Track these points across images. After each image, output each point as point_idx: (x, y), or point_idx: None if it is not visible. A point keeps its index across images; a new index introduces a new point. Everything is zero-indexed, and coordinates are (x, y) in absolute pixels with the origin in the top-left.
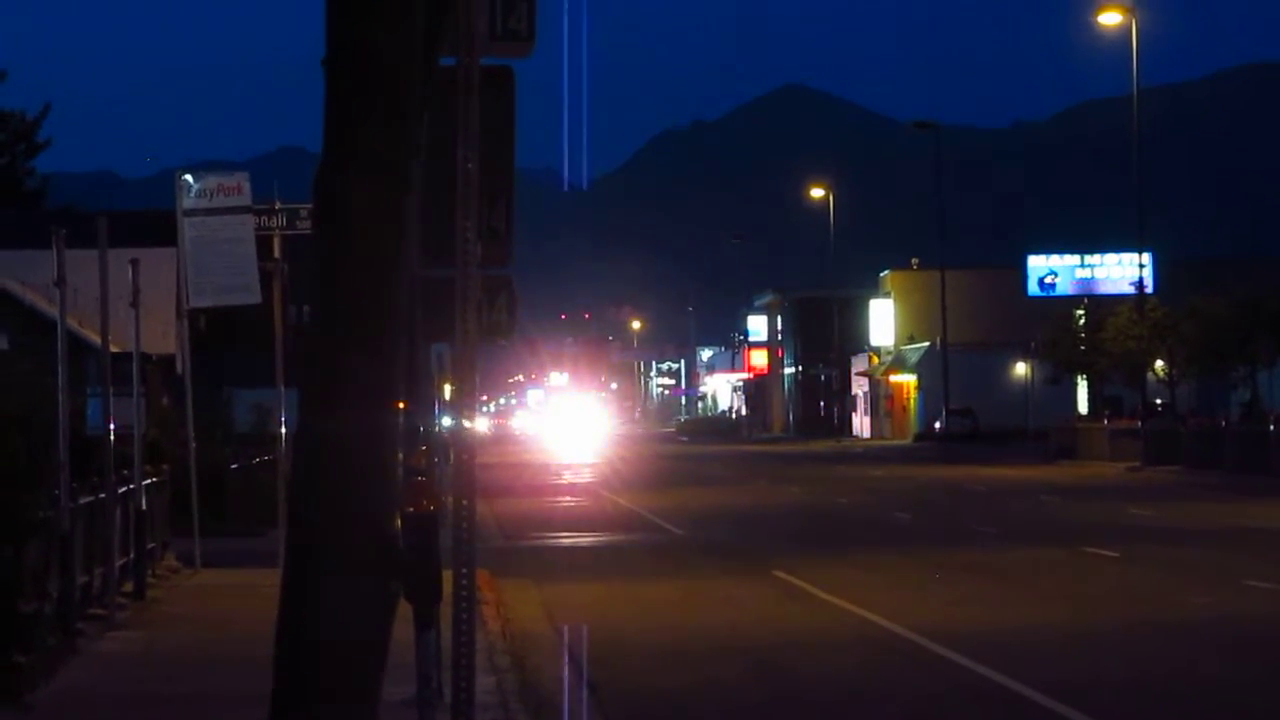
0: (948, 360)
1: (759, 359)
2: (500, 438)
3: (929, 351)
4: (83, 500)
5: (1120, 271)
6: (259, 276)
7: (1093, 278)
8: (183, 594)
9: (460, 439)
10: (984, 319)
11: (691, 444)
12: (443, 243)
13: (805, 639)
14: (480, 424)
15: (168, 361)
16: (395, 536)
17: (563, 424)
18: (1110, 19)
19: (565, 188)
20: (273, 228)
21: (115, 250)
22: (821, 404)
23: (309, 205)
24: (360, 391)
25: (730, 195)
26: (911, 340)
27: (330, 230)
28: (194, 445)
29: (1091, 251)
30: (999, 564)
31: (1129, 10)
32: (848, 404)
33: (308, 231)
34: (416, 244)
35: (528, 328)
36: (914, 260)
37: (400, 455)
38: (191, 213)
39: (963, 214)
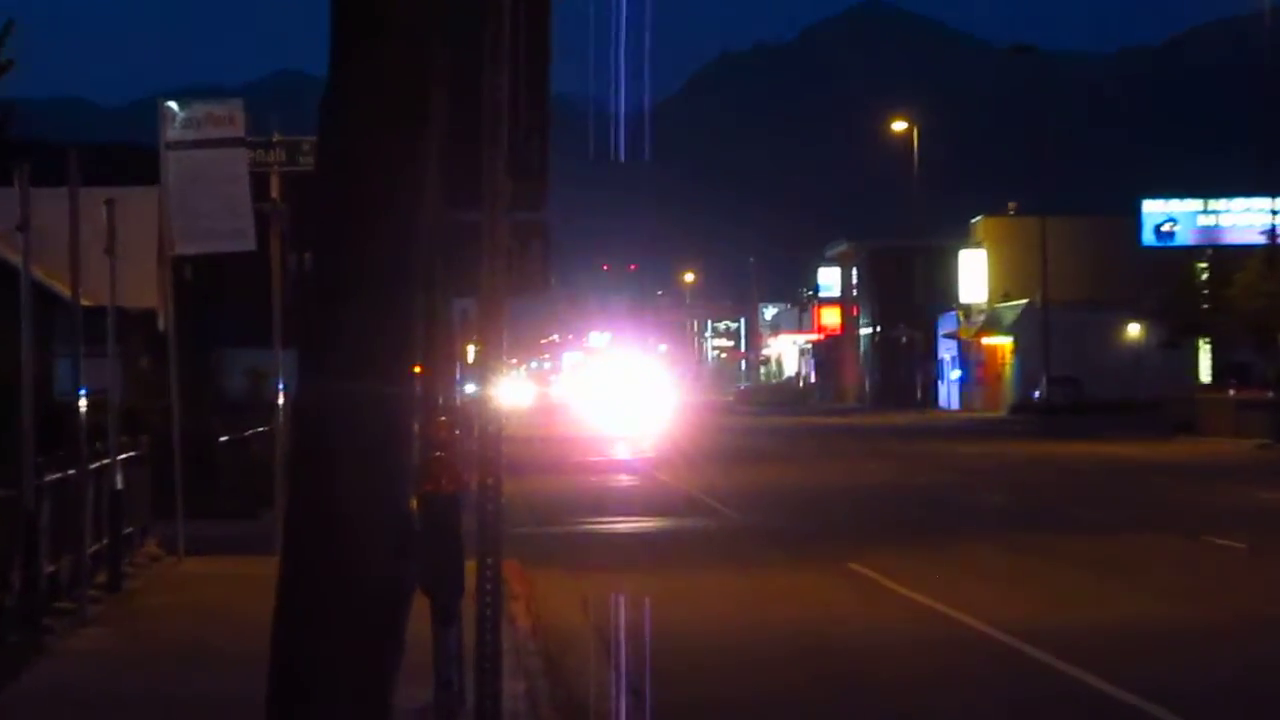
0: (1049, 320)
1: (830, 318)
2: (541, 408)
3: (1027, 310)
4: (50, 477)
5: (1249, 219)
6: (254, 219)
7: (1217, 226)
8: (165, 585)
9: (485, 408)
10: (1091, 273)
11: (752, 415)
12: (467, 182)
13: (883, 640)
14: (521, 390)
15: (148, 317)
16: (411, 520)
17: (606, 391)
18: None
19: (618, 119)
20: (270, 163)
21: (88, 189)
22: (902, 370)
23: (312, 138)
24: (370, 353)
25: (797, 130)
26: (1007, 297)
27: (337, 168)
28: (178, 414)
29: (1216, 196)
30: (1105, 554)
31: None
32: (932, 370)
33: (311, 169)
34: (437, 183)
35: (565, 281)
36: (1010, 205)
37: (416, 427)
38: (177, 146)
39: (1066, 152)
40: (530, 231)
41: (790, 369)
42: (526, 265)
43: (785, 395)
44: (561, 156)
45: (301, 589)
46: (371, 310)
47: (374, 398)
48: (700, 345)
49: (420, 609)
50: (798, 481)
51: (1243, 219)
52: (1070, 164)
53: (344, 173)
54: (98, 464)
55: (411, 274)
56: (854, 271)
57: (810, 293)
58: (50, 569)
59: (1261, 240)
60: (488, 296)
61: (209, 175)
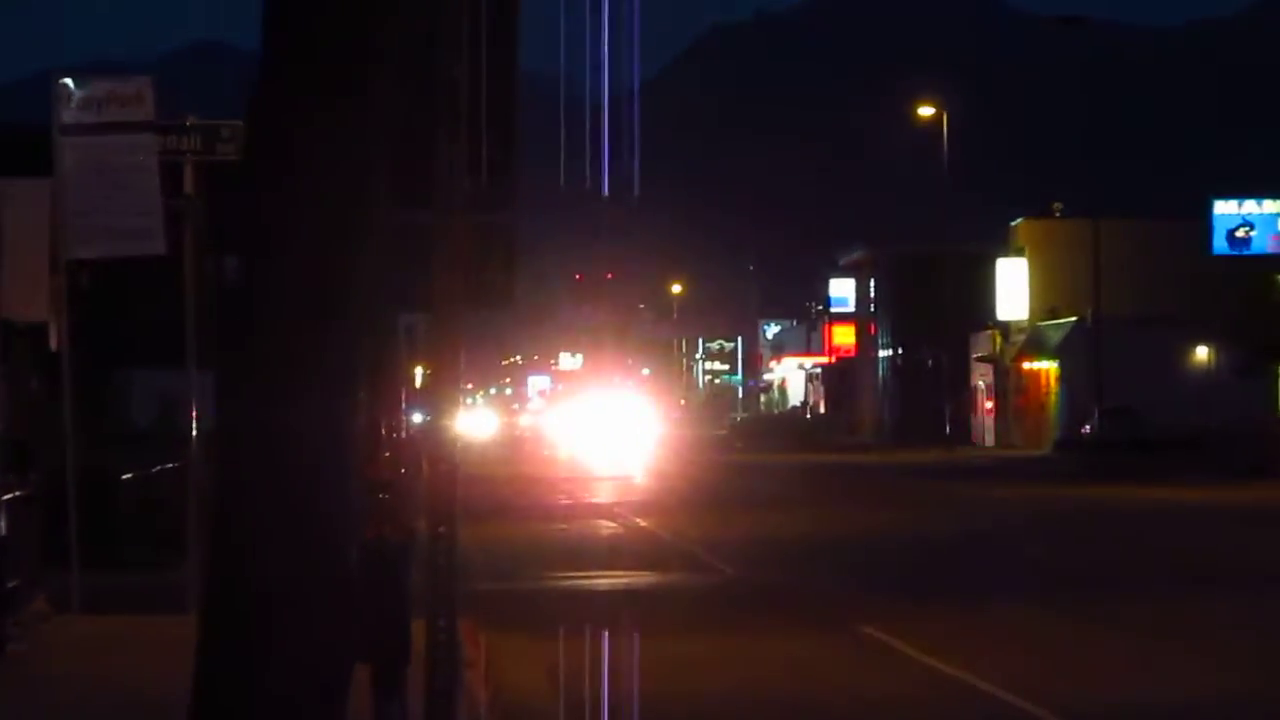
0: (1101, 341)
1: (843, 337)
2: (504, 441)
3: (1076, 329)
4: None
5: None
6: (164, 218)
7: None
8: (56, 649)
9: (438, 441)
10: (1151, 286)
11: (750, 452)
12: (418, 178)
13: (902, 718)
14: (480, 420)
15: (38, 332)
16: (349, 576)
17: (580, 423)
18: None
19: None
20: (184, 151)
21: None
22: (928, 399)
23: (234, 122)
24: (305, 377)
25: (804, 116)
26: (1052, 314)
27: (267, 156)
28: (74, 446)
29: None
30: (1168, 617)
31: None
32: (963, 399)
33: (233, 157)
34: (383, 178)
35: (531, 293)
36: (1056, 205)
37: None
38: (73, 130)
39: (1122, 144)
40: (492, 236)
41: (796, 397)
42: (487, 274)
43: (790, 428)
44: (528, 144)
45: (223, 661)
46: (308, 326)
47: (310, 430)
48: (690, 368)
49: (359, 678)
50: (803, 531)
51: None
52: (1127, 158)
53: (275, 163)
54: None
55: (356, 283)
56: (871, 283)
57: (820, 307)
58: None
59: None
60: (442, 311)
61: (111, 165)
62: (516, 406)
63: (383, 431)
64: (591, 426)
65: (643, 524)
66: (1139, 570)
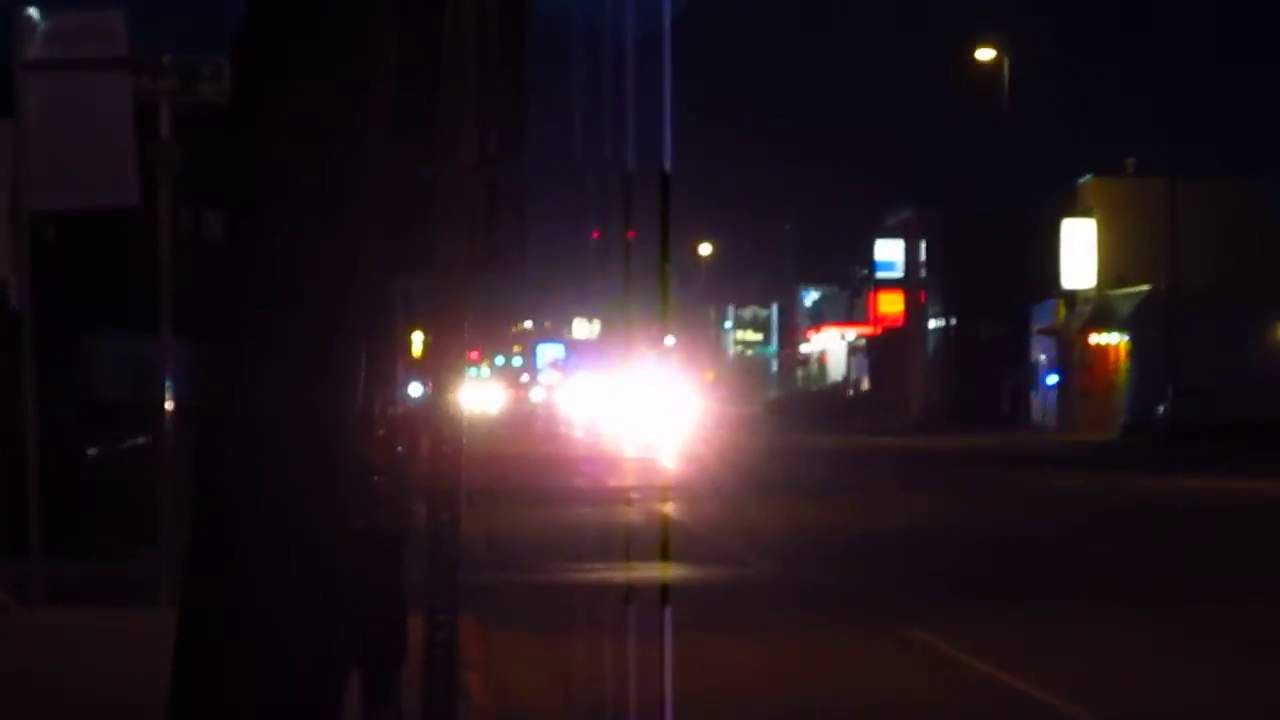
0: (1177, 314)
1: (890, 305)
2: (514, 416)
3: (1148, 300)
4: None
5: None
6: (138, 165)
7: None
8: (14, 645)
9: (440, 417)
10: (1234, 252)
11: (787, 431)
12: (419, 128)
13: None
14: (486, 393)
15: None
16: (342, 569)
17: (598, 397)
18: None
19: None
20: (160, 92)
21: None
22: (983, 376)
23: (219, 59)
24: (300, 351)
25: (848, 58)
26: (1122, 283)
27: (259, 106)
28: (35, 420)
29: None
30: (1251, 623)
31: None
32: (1023, 376)
33: (215, 99)
34: (383, 129)
35: (541, 252)
36: (1128, 162)
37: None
38: (38, 68)
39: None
40: (502, 192)
41: (836, 372)
42: (495, 234)
43: (829, 406)
44: (540, 92)
45: (204, 664)
46: (303, 293)
47: (304, 409)
48: (719, 338)
49: (352, 682)
50: (844, 521)
51: None
52: (1209, 108)
53: (269, 116)
54: None
55: (357, 244)
56: (922, 246)
57: (865, 272)
58: None
59: None
60: (445, 274)
61: (80, 107)
62: (526, 378)
63: (377, 407)
64: (611, 402)
65: (666, 511)
66: (1218, 571)
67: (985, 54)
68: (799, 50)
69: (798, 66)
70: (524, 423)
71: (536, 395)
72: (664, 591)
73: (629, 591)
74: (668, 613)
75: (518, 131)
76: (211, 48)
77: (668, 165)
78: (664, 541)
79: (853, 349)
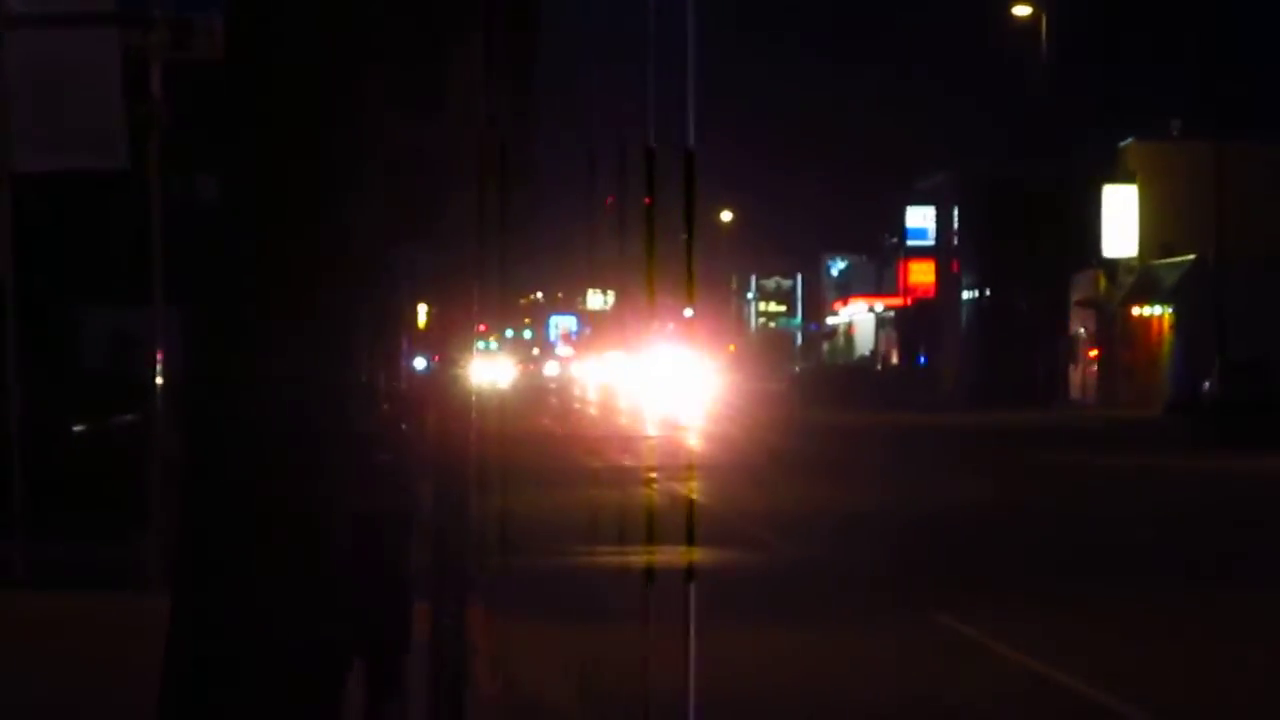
0: (1225, 284)
1: (921, 275)
2: (527, 392)
3: (1195, 269)
4: None
5: None
6: (127, 126)
7: None
8: None
9: (448, 393)
10: None
11: (813, 406)
12: (426, 87)
13: None
14: (496, 367)
15: None
16: (343, 553)
17: (615, 372)
18: None
19: None
20: (150, 48)
21: None
22: (1019, 349)
23: (212, 15)
24: (297, 320)
25: (877, 10)
26: (1167, 252)
27: (254, 63)
28: (18, 394)
29: None
30: None
31: None
32: (1062, 350)
33: (209, 56)
34: (386, 87)
35: (554, 219)
36: (1174, 124)
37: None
38: (20, 23)
39: (1254, 50)
40: (512, 151)
41: (864, 345)
42: (505, 196)
43: (858, 381)
44: (550, 49)
45: (198, 652)
46: (302, 259)
47: (301, 382)
48: (741, 310)
49: (353, 672)
50: (872, 503)
51: None
52: (1260, 66)
53: (266, 60)
54: None
55: (357, 210)
56: (955, 212)
57: (894, 240)
58: None
59: None
60: (452, 241)
61: (65, 64)
62: (536, 351)
63: (380, 381)
64: (629, 377)
65: (685, 491)
66: (1267, 558)
67: (1022, 10)
68: (825, 9)
69: (824, 25)
70: (537, 398)
71: (550, 370)
72: (689, 575)
73: (649, 576)
74: (691, 598)
75: (528, 91)
76: (205, 2)
77: (691, 140)
78: (686, 524)
79: (881, 321)
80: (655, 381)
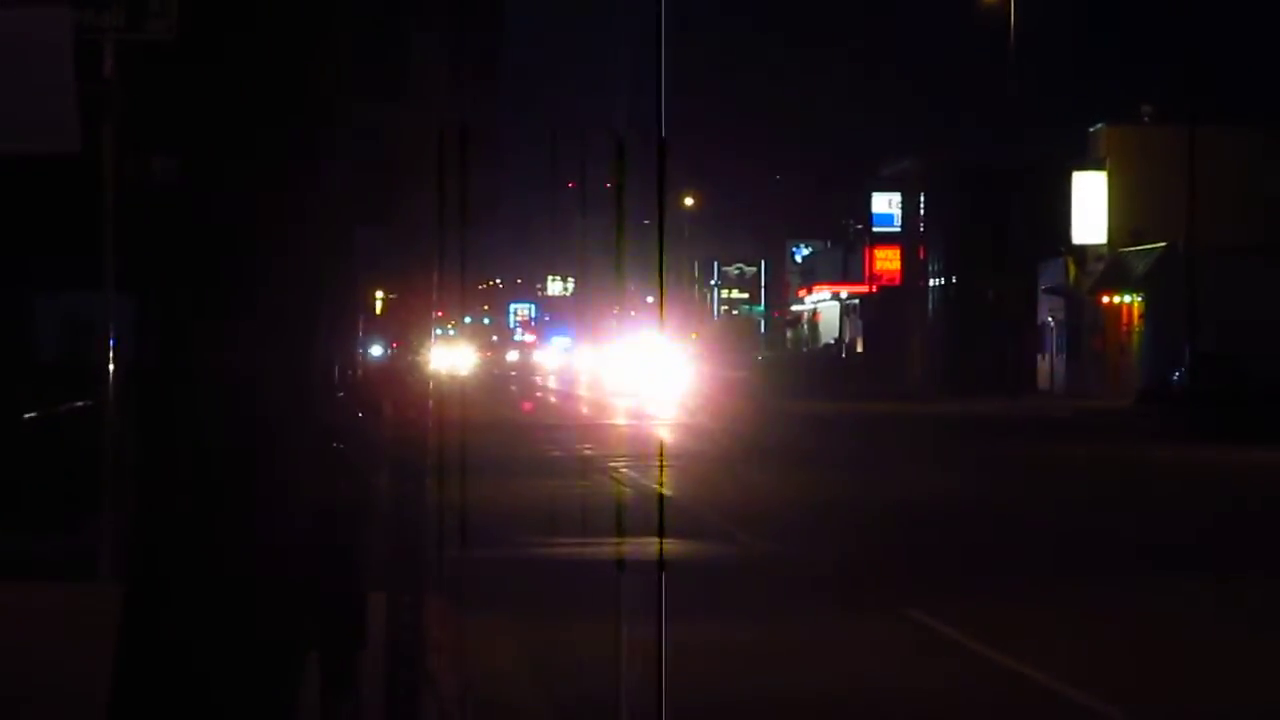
0: (1195, 272)
1: (887, 262)
2: (488, 380)
3: (1165, 257)
4: None
5: None
6: (79, 109)
7: None
8: None
9: (406, 380)
10: (1260, 207)
11: (777, 395)
12: (386, 68)
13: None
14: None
15: None
16: (298, 544)
17: (578, 360)
18: None
19: None
20: (104, 29)
21: None
22: (987, 338)
23: None
24: (253, 305)
25: None
26: (1138, 239)
27: (211, 45)
28: None
29: None
30: (1274, 602)
31: None
32: (1030, 339)
33: (162, 36)
34: (347, 66)
35: (514, 203)
36: (1145, 109)
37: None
38: None
39: (1227, 33)
40: (469, 131)
41: (829, 333)
42: (466, 181)
43: (822, 369)
44: (515, 30)
45: (149, 646)
46: (257, 243)
47: (258, 368)
48: (704, 296)
49: (309, 667)
50: (840, 495)
51: None
52: (1233, 50)
53: (223, 41)
54: None
55: (317, 192)
56: (921, 198)
57: (859, 226)
58: None
59: None
60: (411, 225)
61: (15, 45)
62: (495, 339)
63: (336, 368)
64: (593, 364)
65: (653, 483)
66: (1240, 548)
67: None
68: None
69: (791, 10)
70: (498, 385)
71: (511, 356)
72: (660, 568)
73: (617, 569)
74: (661, 591)
75: (490, 72)
76: None
77: (664, 130)
78: (655, 515)
79: (846, 309)
80: (621, 368)
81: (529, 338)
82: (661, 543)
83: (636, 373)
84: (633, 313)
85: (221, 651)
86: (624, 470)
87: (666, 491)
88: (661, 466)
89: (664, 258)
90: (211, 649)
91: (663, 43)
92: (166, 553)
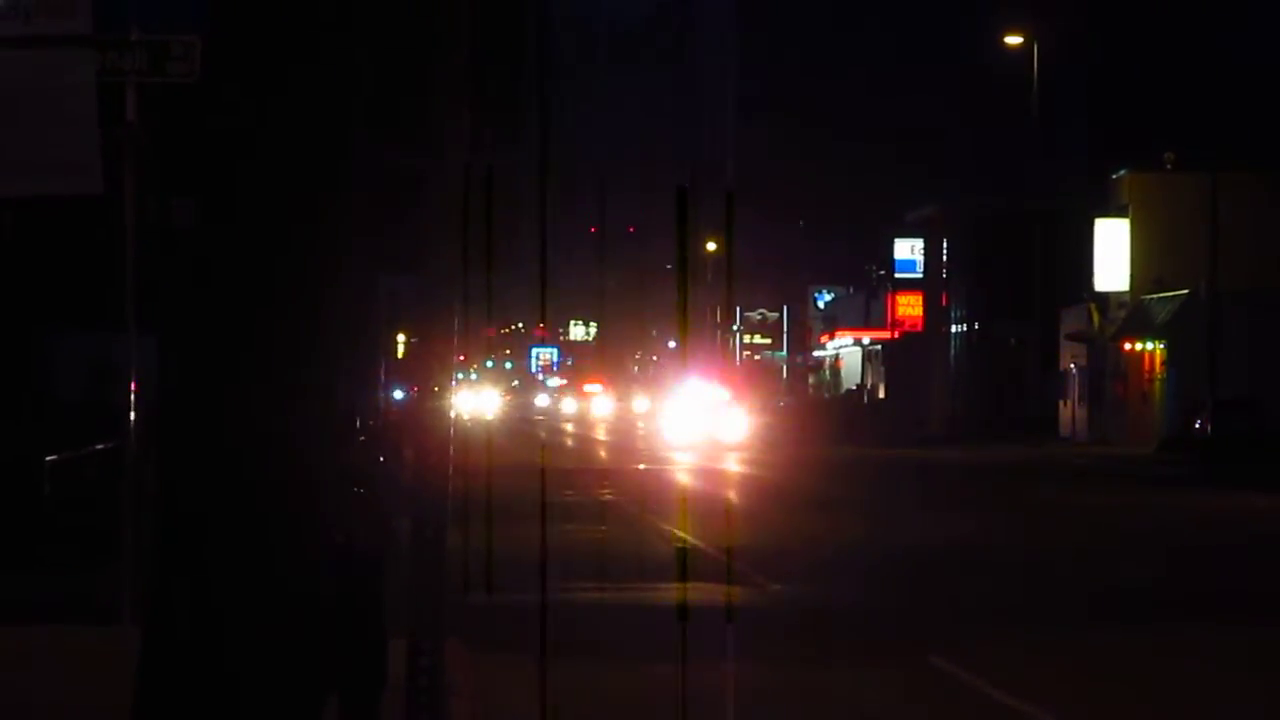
0: (1218, 319)
1: (910, 308)
2: (513, 424)
3: (1188, 304)
4: None
5: None
6: (101, 151)
7: None
8: None
9: (428, 425)
10: None
11: (798, 441)
12: (407, 114)
13: None
14: (479, 399)
15: None
16: (319, 588)
17: (610, 405)
18: None
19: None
20: (127, 71)
21: None
22: (1009, 384)
23: (189, 38)
24: (274, 351)
25: (861, 40)
26: (1160, 286)
27: (233, 90)
28: None
29: None
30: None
31: None
32: (1052, 385)
33: (184, 79)
34: (362, 110)
35: (535, 248)
36: (1168, 156)
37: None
38: None
39: (1251, 80)
40: (494, 179)
41: (851, 378)
42: (490, 229)
43: (844, 415)
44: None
45: (170, 689)
46: (277, 290)
47: (280, 414)
48: (725, 342)
49: (328, 710)
50: (860, 540)
51: None
52: (1257, 97)
53: (245, 87)
54: None
55: (334, 239)
56: (944, 245)
57: (882, 272)
58: None
59: None
60: (433, 271)
61: (39, 87)
62: (516, 383)
63: (358, 413)
64: (622, 409)
65: (663, 526)
66: (1270, 596)
67: (1014, 39)
68: (815, 40)
69: (814, 57)
70: (524, 430)
71: (541, 401)
72: (682, 613)
73: (640, 614)
74: (683, 636)
75: (513, 118)
76: (182, 25)
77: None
78: (678, 561)
79: (869, 354)
80: (675, 416)
81: (559, 381)
82: (681, 588)
83: (696, 419)
84: (655, 358)
85: (242, 692)
86: (649, 514)
87: (693, 536)
88: (688, 511)
89: (685, 300)
90: (232, 688)
91: (729, 112)
92: (186, 595)
